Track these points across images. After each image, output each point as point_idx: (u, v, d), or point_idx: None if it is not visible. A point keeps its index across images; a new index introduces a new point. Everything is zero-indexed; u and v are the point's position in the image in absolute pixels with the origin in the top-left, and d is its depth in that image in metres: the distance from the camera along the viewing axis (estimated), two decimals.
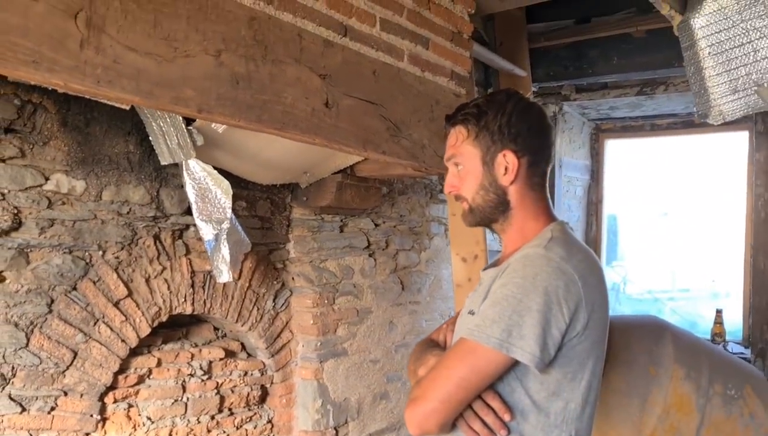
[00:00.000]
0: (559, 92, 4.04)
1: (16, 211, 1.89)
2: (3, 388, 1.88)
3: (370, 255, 3.10)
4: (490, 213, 1.41)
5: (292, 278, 2.78)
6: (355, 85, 1.93)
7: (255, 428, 2.68)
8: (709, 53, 2.42)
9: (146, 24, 1.40)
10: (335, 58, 1.85)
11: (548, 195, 1.44)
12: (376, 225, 3.15)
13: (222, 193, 2.16)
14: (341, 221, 2.94)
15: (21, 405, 1.92)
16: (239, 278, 2.53)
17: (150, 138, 2.08)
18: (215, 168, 2.16)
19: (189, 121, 2.01)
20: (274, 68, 1.68)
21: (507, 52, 3.39)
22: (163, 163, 2.09)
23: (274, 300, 2.71)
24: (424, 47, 2.18)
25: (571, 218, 4.62)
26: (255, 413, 2.69)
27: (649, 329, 2.80)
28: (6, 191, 1.86)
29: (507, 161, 1.36)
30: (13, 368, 1.90)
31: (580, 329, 1.26)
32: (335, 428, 2.88)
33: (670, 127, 4.63)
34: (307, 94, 1.77)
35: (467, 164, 1.41)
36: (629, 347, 2.64)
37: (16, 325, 1.90)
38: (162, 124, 2.02)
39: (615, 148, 5.08)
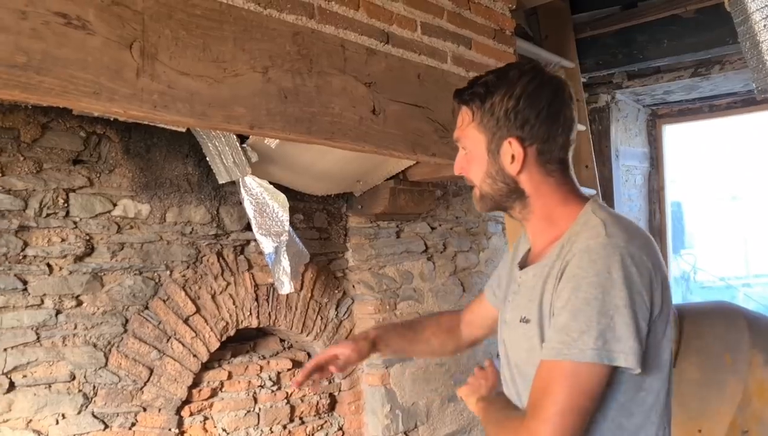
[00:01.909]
0: (611, 81, 3.96)
1: (88, 238, 1.99)
2: (86, 406, 1.97)
3: (428, 259, 3.11)
4: (502, 201, 1.31)
5: (353, 286, 2.82)
6: (400, 90, 1.95)
7: (326, 435, 2.72)
8: (765, 26, 2.33)
9: (196, 48, 1.46)
10: (379, 66, 1.88)
11: (572, 176, 1.30)
12: (433, 228, 3.16)
13: (279, 206, 2.22)
14: (397, 226, 2.96)
15: (104, 422, 2.01)
16: (301, 288, 2.58)
17: (207, 159, 2.15)
18: (271, 183, 2.21)
19: (243, 139, 2.08)
20: (320, 80, 1.72)
21: (552, 45, 3.35)
22: (220, 181, 2.17)
23: (336, 309, 2.75)
24: (466, 47, 2.18)
25: (633, 208, 4.51)
26: (325, 421, 2.74)
27: (723, 315, 2.71)
28: (78, 219, 1.97)
29: (513, 150, 1.24)
30: (94, 387, 1.99)
31: (657, 312, 1.15)
32: (405, 433, 2.89)
33: (730, 106, 4.47)
34: (354, 102, 1.81)
35: (473, 150, 1.31)
36: (702, 335, 2.56)
37: (95, 345, 2.00)
38: (217, 143, 2.09)
39: (674, 133, 4.95)
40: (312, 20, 1.70)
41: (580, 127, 3.36)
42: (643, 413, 1.17)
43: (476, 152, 1.30)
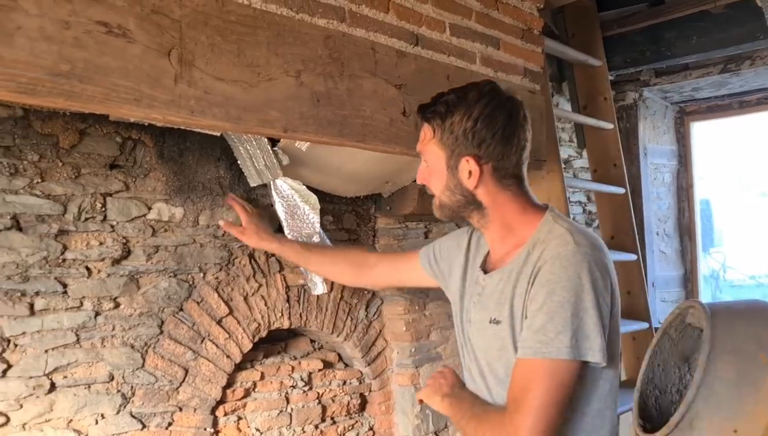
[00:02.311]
0: (638, 78, 3.93)
1: (125, 241, 2.03)
2: (124, 406, 2.01)
3: None
4: (460, 211, 1.44)
5: None
6: (430, 91, 1.94)
7: (357, 435, 2.74)
8: None
9: (231, 54, 1.49)
10: (409, 67, 1.90)
11: (527, 188, 1.43)
12: (459, 227, 3.16)
13: (310, 208, 2.24)
14: (425, 227, 2.97)
15: (141, 422, 2.05)
16: (331, 290, 2.60)
17: (238, 162, 2.19)
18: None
19: (273, 142, 2.10)
20: (351, 83, 1.74)
21: (579, 43, 3.34)
22: (252, 185, 2.19)
23: (366, 309, 2.76)
24: (495, 48, 2.19)
25: (662, 206, 4.46)
26: (356, 421, 2.75)
27: (757, 313, 2.67)
28: (115, 223, 2.01)
29: (470, 167, 1.36)
30: (132, 387, 2.03)
31: (614, 311, 1.31)
32: (435, 433, 2.90)
33: (761, 102, 4.40)
34: (385, 105, 1.82)
35: (433, 164, 1.43)
36: (735, 334, 2.52)
37: (132, 346, 2.03)
38: (248, 147, 2.12)
39: (702, 130, 4.88)
40: (343, 24, 1.72)
41: (608, 126, 3.35)
42: (601, 400, 1.31)
43: (436, 166, 1.42)
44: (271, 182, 2.19)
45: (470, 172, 1.36)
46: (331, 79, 1.69)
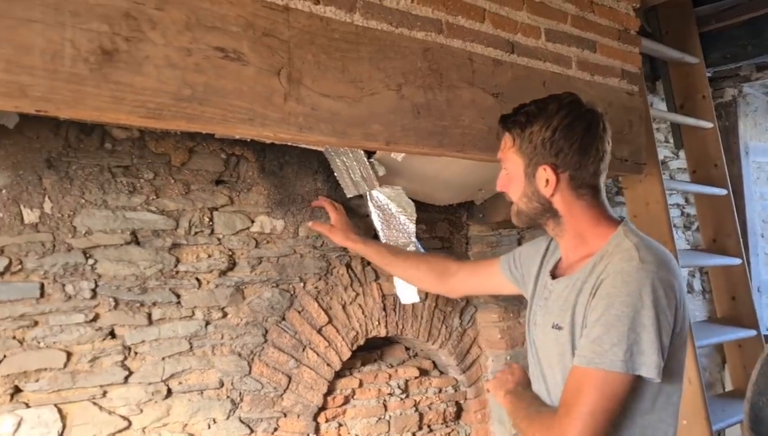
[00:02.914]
0: (737, 73, 3.75)
1: (230, 253, 2.11)
2: (234, 412, 2.10)
3: None
4: (536, 218, 1.48)
5: (476, 295, 2.82)
6: (526, 98, 1.92)
7: None
8: None
9: (335, 71, 1.53)
10: (505, 76, 1.90)
11: (604, 199, 1.46)
12: None
13: (406, 217, 2.27)
14: (518, 233, 2.94)
15: (249, 427, 2.13)
16: (426, 297, 2.62)
17: (335, 174, 2.24)
18: None
19: (369, 153, 2.14)
20: (450, 94, 1.75)
21: (674, 41, 3.23)
22: (348, 196, 2.24)
23: (460, 317, 2.76)
24: (591, 51, 2.15)
25: (765, 207, 4.24)
26: (453, 430, 2.75)
27: None
28: (221, 236, 2.10)
29: (547, 175, 1.40)
30: (240, 393, 2.11)
31: (678, 330, 1.31)
32: None
33: None
34: (483, 114, 1.83)
35: (512, 171, 1.48)
36: None
37: (239, 355, 2.12)
38: (345, 159, 2.17)
39: None
40: (440, 35, 1.74)
41: (707, 125, 3.22)
42: (656, 414, 1.32)
43: (515, 174, 1.47)
44: (368, 193, 2.23)
45: (547, 181, 1.41)
46: (430, 91, 1.71)
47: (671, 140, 3.71)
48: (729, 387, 3.55)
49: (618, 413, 1.27)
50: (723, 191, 3.19)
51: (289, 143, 1.74)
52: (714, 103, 3.52)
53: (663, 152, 3.71)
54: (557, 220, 1.45)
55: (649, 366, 1.24)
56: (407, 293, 2.38)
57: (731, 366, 3.31)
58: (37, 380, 1.77)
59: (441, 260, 1.99)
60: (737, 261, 3.15)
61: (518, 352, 2.85)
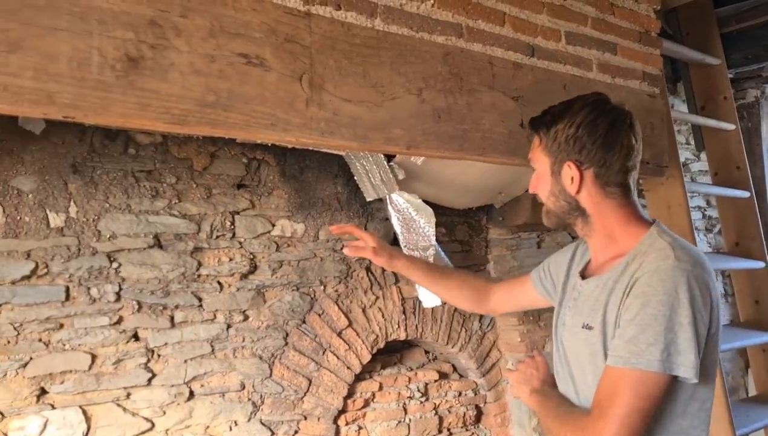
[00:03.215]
0: (760, 74, 3.70)
1: (252, 257, 2.13)
2: (255, 414, 2.11)
3: None
4: (565, 217, 1.46)
5: None
6: (547, 102, 1.91)
7: None
8: None
9: (357, 76, 1.54)
10: (526, 79, 1.89)
11: (634, 199, 1.44)
12: (573, 238, 3.10)
13: (425, 221, 2.27)
14: (538, 236, 2.93)
15: (270, 429, 2.14)
16: (445, 302, 2.62)
17: (355, 178, 2.25)
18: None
19: (389, 157, 2.15)
20: (471, 97, 1.75)
21: (695, 42, 3.19)
22: (368, 199, 2.25)
23: (480, 321, 2.76)
24: (612, 53, 2.14)
25: None
26: (472, 433, 2.75)
27: None
28: (243, 240, 2.12)
29: (572, 172, 1.40)
30: (261, 396, 2.13)
31: (713, 330, 1.29)
32: None
33: None
34: (503, 117, 1.82)
35: (540, 170, 1.47)
36: None
37: (260, 357, 2.13)
38: (365, 163, 2.18)
39: None
40: (461, 39, 1.74)
41: (729, 127, 3.18)
42: (691, 418, 1.30)
43: (543, 173, 1.46)
44: (387, 197, 2.24)
45: (572, 178, 1.40)
46: (451, 95, 1.71)
47: (692, 142, 3.67)
48: (753, 392, 3.50)
49: (653, 415, 1.25)
50: (746, 194, 3.14)
51: (311, 148, 1.75)
52: (736, 104, 3.47)
53: (684, 154, 3.67)
54: (585, 218, 1.44)
55: (687, 366, 1.22)
56: (429, 297, 2.38)
57: (755, 371, 3.26)
58: (62, 382, 1.79)
59: (481, 282, 1.97)
60: (761, 264, 3.10)
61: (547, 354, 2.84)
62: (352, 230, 1.88)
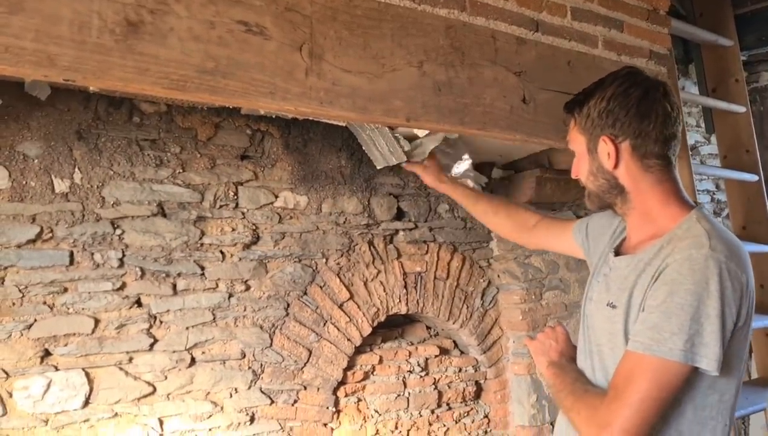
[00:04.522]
0: None
1: (254, 227, 2.15)
2: (255, 382, 2.15)
3: None
4: (605, 197, 1.43)
5: (498, 276, 2.83)
6: (550, 78, 1.94)
7: (473, 422, 2.76)
8: None
9: (357, 47, 1.55)
10: (529, 55, 1.89)
11: (675, 175, 1.38)
12: (578, 217, 3.09)
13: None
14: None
15: (270, 398, 2.18)
16: (447, 277, 2.63)
17: (363, 148, 2.25)
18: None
19: (392, 127, 2.15)
20: (472, 72, 1.75)
21: (708, 23, 3.16)
22: (378, 167, 2.23)
23: (482, 298, 2.77)
24: (618, 30, 2.13)
25: None
26: (471, 408, 2.77)
27: None
28: (246, 210, 2.14)
29: (608, 147, 1.36)
30: (261, 365, 2.16)
31: (741, 324, 1.24)
32: (552, 423, 2.87)
33: None
34: (505, 92, 1.82)
35: (578, 151, 1.45)
36: None
37: (261, 327, 2.16)
38: (370, 133, 2.18)
39: None
40: (464, 13, 1.74)
41: (739, 109, 3.16)
42: (707, 409, 1.27)
43: (580, 153, 1.44)
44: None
45: (609, 153, 1.37)
46: (452, 69, 1.71)
47: (703, 125, 3.64)
48: (755, 375, 3.50)
49: (668, 404, 1.23)
50: (754, 177, 3.12)
51: (310, 118, 1.76)
52: (748, 87, 3.44)
53: (694, 137, 3.65)
54: (624, 196, 1.39)
55: (710, 359, 1.19)
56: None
57: (758, 354, 3.26)
58: (66, 345, 1.83)
59: (522, 212, 1.97)
60: (767, 249, 3.10)
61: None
62: (412, 168, 2.08)
